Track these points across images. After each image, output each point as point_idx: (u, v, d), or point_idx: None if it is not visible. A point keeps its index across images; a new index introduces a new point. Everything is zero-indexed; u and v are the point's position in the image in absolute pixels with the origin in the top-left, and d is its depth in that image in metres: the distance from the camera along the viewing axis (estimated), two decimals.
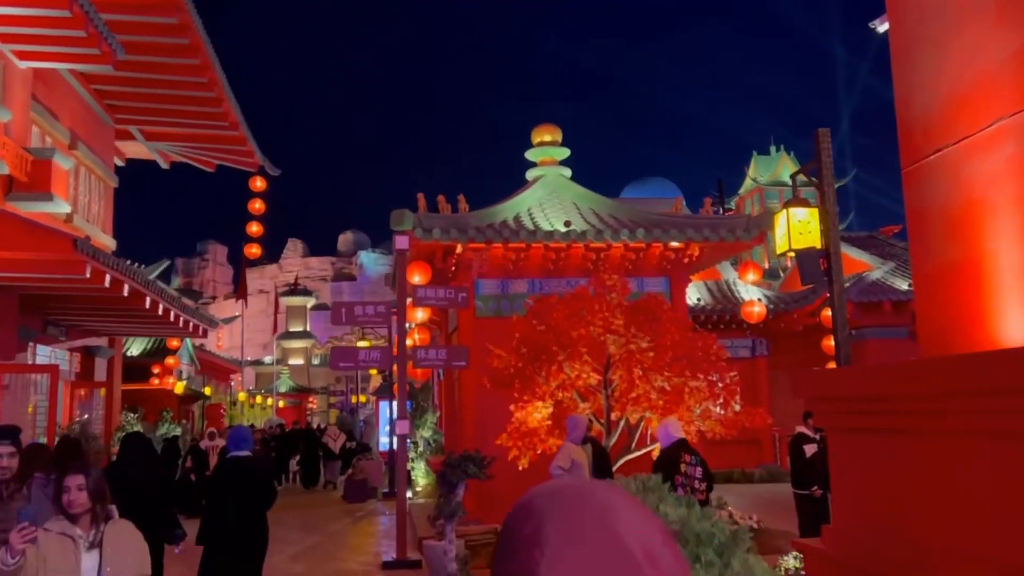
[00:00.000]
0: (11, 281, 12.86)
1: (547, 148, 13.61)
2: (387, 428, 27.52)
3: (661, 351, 9.42)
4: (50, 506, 5.60)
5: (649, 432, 9.98)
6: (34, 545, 3.36)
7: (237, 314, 41.00)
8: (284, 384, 50.35)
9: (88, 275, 12.13)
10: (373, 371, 31.29)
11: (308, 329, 60.65)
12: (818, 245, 7.17)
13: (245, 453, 6.99)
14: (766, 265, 32.77)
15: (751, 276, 13.42)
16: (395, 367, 10.41)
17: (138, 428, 18.98)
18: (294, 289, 61.82)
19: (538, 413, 9.84)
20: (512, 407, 9.90)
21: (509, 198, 12.96)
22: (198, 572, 6.65)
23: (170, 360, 27.97)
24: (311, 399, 52.39)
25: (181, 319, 17.80)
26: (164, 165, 24.60)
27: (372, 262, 78.41)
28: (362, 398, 42.28)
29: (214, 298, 77.59)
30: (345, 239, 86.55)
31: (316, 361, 58.59)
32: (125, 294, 13.72)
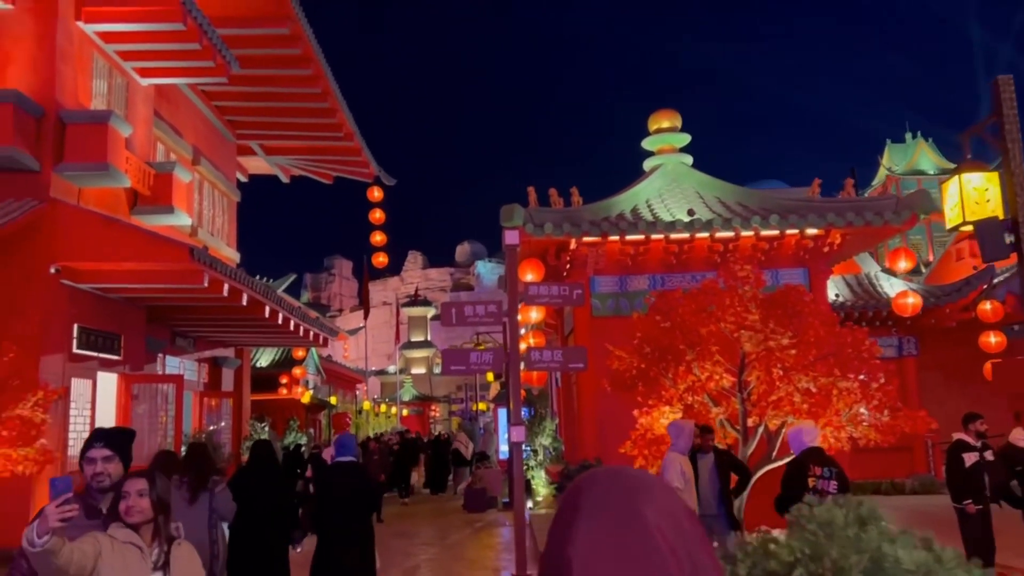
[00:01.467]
0: (136, 293, 13.18)
1: (665, 135, 12.70)
2: (506, 436, 27.28)
3: (804, 348, 8.38)
4: (186, 507, 6.06)
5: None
6: (64, 530, 2.78)
7: (361, 325, 41.93)
8: (407, 393, 51.09)
9: (206, 284, 12.21)
10: (491, 377, 30.97)
11: (429, 339, 61.48)
12: (1000, 215, 6.03)
13: (349, 459, 7.31)
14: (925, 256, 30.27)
15: (903, 264, 11.94)
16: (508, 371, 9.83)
17: (265, 437, 19.29)
18: (415, 300, 62.86)
19: (665, 419, 8.98)
20: (636, 412, 9.10)
21: (625, 190, 12.15)
22: (311, 571, 6.97)
23: (297, 370, 28.65)
24: (433, 407, 52.92)
25: (301, 328, 17.97)
26: (285, 179, 25.21)
27: (489, 271, 78.93)
28: (482, 406, 42.18)
29: (340, 311, 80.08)
30: (463, 250, 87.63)
31: (437, 370, 59.31)
32: (244, 303, 13.82)
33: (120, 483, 3.21)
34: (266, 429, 21.16)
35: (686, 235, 10.80)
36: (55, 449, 11.48)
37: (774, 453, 9.00)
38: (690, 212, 10.58)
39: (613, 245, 10.92)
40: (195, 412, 18.35)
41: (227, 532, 6.48)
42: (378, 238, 25.68)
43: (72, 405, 12.04)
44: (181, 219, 14.67)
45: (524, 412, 22.58)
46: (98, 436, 3.69)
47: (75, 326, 12.16)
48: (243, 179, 24.07)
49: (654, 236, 10.79)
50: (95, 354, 12.71)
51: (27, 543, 2.71)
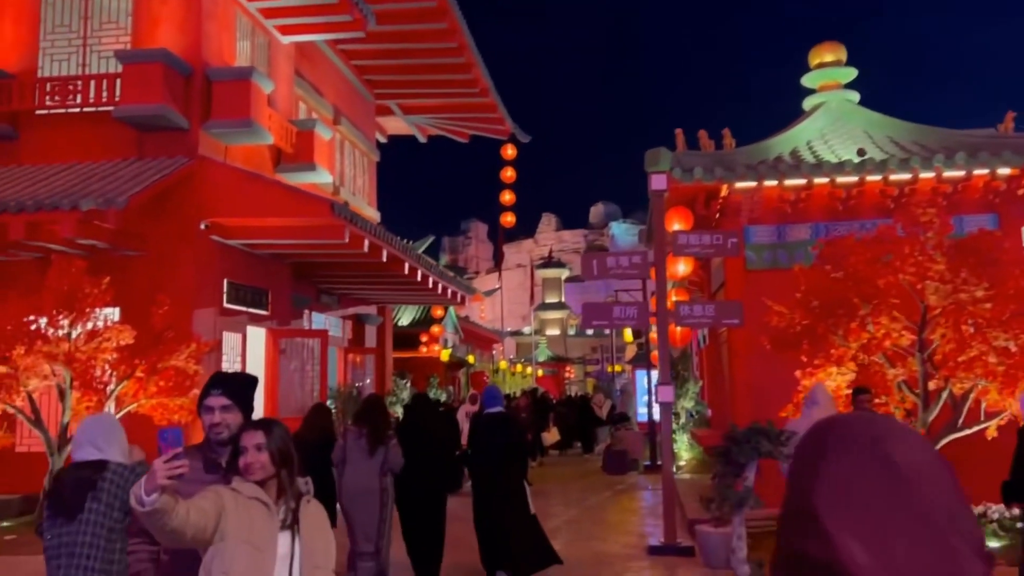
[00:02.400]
0: (280, 249, 13.41)
1: (828, 70, 11.45)
2: (644, 398, 26.63)
3: (1001, 302, 7.27)
4: (365, 459, 6.66)
5: (983, 406, 7.87)
6: (177, 484, 2.43)
7: (497, 287, 42.20)
8: (542, 354, 51.21)
9: (347, 239, 12.22)
10: (628, 338, 30.25)
11: (563, 300, 61.35)
12: None
13: (498, 409, 7.61)
14: None
15: None
16: (654, 328, 9.21)
17: (412, 392, 19.56)
18: (548, 262, 62.79)
19: (832, 381, 8.11)
20: (798, 373, 8.25)
21: (782, 132, 11.08)
22: (474, 517, 7.38)
23: (435, 328, 29.08)
24: (568, 369, 52.82)
25: (439, 285, 17.97)
26: (422, 139, 25.30)
27: (623, 232, 77.62)
28: (617, 367, 41.56)
29: (477, 273, 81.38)
30: (596, 211, 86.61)
31: (572, 332, 59.30)
32: (384, 259, 13.82)
33: (238, 435, 2.86)
34: (408, 385, 21.49)
35: (854, 178, 9.69)
36: None
37: (960, 421, 7.95)
38: (860, 152, 9.44)
39: (770, 191, 9.96)
40: (340, 367, 18.82)
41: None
42: (507, 197, 25.39)
43: (224, 358, 12.43)
44: (323, 176, 14.80)
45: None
46: (215, 382, 3.18)
47: (225, 281, 12.50)
48: (382, 140, 24.35)
49: (817, 180, 9.73)
50: (244, 308, 13.06)
51: (136, 502, 2.38)
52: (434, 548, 7.22)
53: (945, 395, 7.84)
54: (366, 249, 12.82)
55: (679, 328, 14.60)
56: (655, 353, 23.93)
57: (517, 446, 7.48)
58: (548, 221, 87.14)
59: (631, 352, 39.60)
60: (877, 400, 7.39)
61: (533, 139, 24.73)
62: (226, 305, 12.49)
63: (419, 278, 15.99)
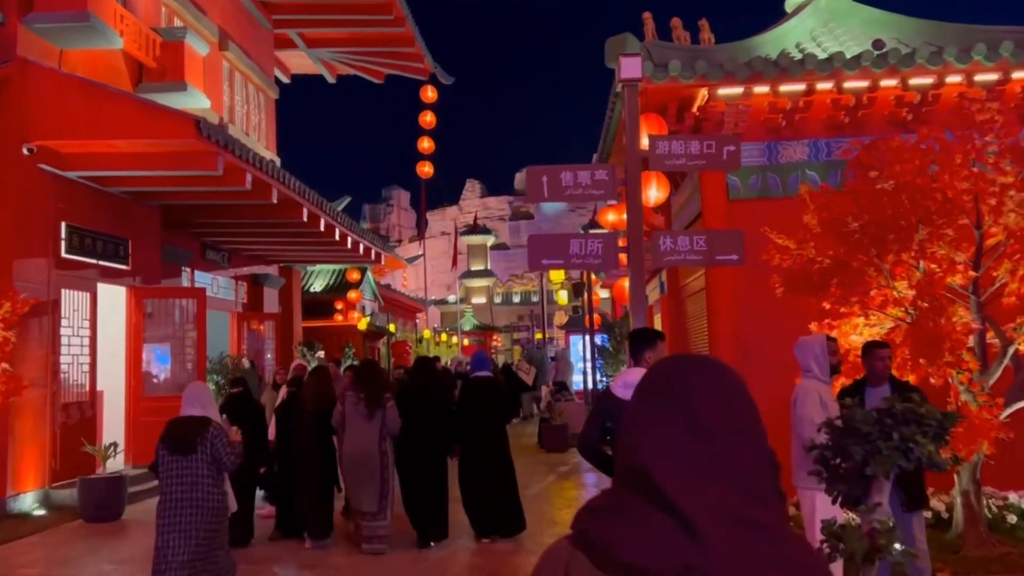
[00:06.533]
0: (141, 185, 10.62)
1: None
2: (580, 365, 24.78)
3: None
4: (364, 423, 6.87)
5: None
6: None
7: (420, 253, 39.95)
8: (468, 323, 49.20)
9: (220, 171, 9.62)
10: (562, 301, 28.22)
11: (489, 268, 59.52)
12: None
13: (486, 373, 7.86)
14: None
15: None
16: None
17: (317, 363, 17.05)
18: (474, 228, 60.78)
19: (858, 335, 6.09)
20: (813, 326, 6.18)
21: (765, 31, 8.99)
22: (460, 476, 7.51)
23: (352, 294, 26.53)
24: (495, 337, 50.89)
25: (349, 239, 15.43)
26: (331, 78, 22.44)
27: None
28: (540, 335, 39.69)
29: (400, 241, 78.85)
30: (522, 177, 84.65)
31: (498, 300, 57.73)
32: (274, 200, 11.24)
33: None
34: (318, 356, 18.94)
35: (865, 83, 7.65)
36: (44, 373, 9.19)
37: None
38: (877, 44, 7.38)
39: (760, 99, 7.84)
40: (233, 335, 16.14)
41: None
42: (426, 144, 22.77)
43: (64, 322, 9.71)
44: (198, 100, 12.00)
45: (601, 340, 19.86)
46: None
47: (63, 225, 9.74)
48: (285, 80, 21.45)
49: (820, 86, 7.66)
50: (93, 261, 10.32)
51: None
52: (437, 511, 7.33)
53: (1011, 352, 5.88)
54: (248, 185, 10.24)
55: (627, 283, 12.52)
56: (598, 315, 21.69)
57: (510, 408, 8.01)
58: (472, 188, 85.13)
59: (562, 319, 37.79)
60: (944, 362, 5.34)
61: (458, 102, 22.32)
62: (65, 255, 9.74)
63: (322, 227, 13.44)
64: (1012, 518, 6.38)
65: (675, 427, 1.00)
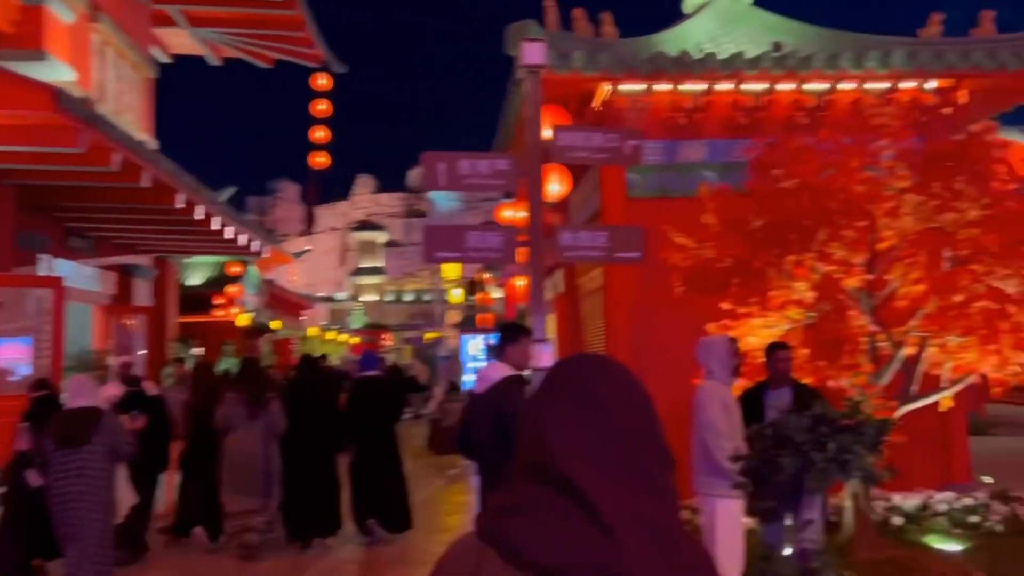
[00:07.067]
0: None
1: None
2: (470, 365, 24.53)
3: (992, 226, 5.42)
4: (246, 424, 6.72)
5: (947, 368, 6.08)
6: None
7: (308, 248, 38.81)
8: (358, 320, 48.25)
9: (83, 148, 8.73)
10: (454, 299, 27.93)
11: (380, 265, 58.70)
12: None
13: (375, 373, 7.90)
14: None
15: None
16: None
17: (189, 360, 16.04)
18: (365, 224, 59.77)
19: (754, 336, 6.02)
20: (710, 327, 6.07)
21: (666, 30, 8.92)
22: (350, 475, 7.51)
23: (231, 288, 25.27)
24: (385, 336, 50.09)
25: (229, 230, 14.50)
26: (215, 61, 21.22)
27: (443, 198, 75.56)
28: (436, 334, 39.28)
29: (287, 236, 76.63)
30: (416, 174, 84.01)
31: (390, 298, 57.08)
32: (145, 184, 10.34)
33: None
34: (192, 353, 17.85)
35: (764, 85, 7.67)
36: None
37: (914, 387, 6.12)
38: (776, 45, 7.42)
39: (661, 97, 7.74)
40: (100, 329, 14.90)
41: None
42: (319, 134, 21.95)
43: None
44: (59, 72, 10.93)
45: (495, 339, 19.62)
46: None
47: None
48: (166, 60, 20.10)
49: (720, 86, 7.62)
50: None
51: None
52: (328, 505, 7.25)
53: (899, 356, 5.94)
54: (116, 166, 9.36)
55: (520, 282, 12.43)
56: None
57: (398, 406, 8.02)
58: (364, 183, 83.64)
59: (453, 317, 37.45)
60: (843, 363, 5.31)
61: (350, 96, 21.62)
62: None
63: (200, 215, 12.53)
64: (897, 520, 6.48)
65: (586, 426, 1.02)
